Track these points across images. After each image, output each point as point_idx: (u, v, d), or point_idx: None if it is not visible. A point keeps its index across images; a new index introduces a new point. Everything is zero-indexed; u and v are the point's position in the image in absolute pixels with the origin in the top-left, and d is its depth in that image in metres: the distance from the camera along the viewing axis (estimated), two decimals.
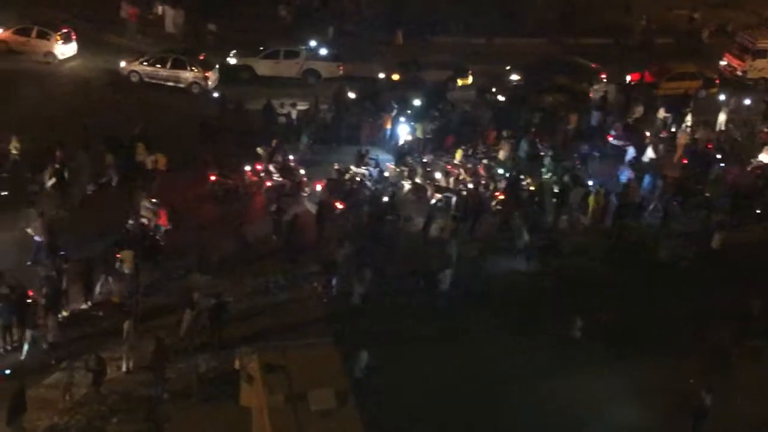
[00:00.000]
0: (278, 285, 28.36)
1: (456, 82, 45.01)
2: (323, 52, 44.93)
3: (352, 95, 41.75)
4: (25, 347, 24.57)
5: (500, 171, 35.51)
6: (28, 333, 24.62)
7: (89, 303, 26.73)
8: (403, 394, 23.59)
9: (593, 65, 46.51)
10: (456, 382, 24.44)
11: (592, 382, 25.17)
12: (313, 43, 45.14)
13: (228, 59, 43.94)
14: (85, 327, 25.79)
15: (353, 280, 27.75)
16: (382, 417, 21.38)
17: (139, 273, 26.37)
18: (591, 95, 44.25)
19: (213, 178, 33.15)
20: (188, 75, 41.66)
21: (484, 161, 36.38)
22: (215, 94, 40.31)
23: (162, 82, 41.63)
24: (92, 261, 26.98)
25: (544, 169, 35.93)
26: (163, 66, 41.66)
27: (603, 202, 33.31)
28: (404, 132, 38.22)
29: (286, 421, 19.03)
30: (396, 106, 40.14)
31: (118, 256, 27.87)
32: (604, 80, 45.45)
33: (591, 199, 33.43)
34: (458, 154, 36.72)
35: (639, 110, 42.35)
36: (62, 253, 27.27)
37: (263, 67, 43.87)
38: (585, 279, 29.88)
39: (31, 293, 25.69)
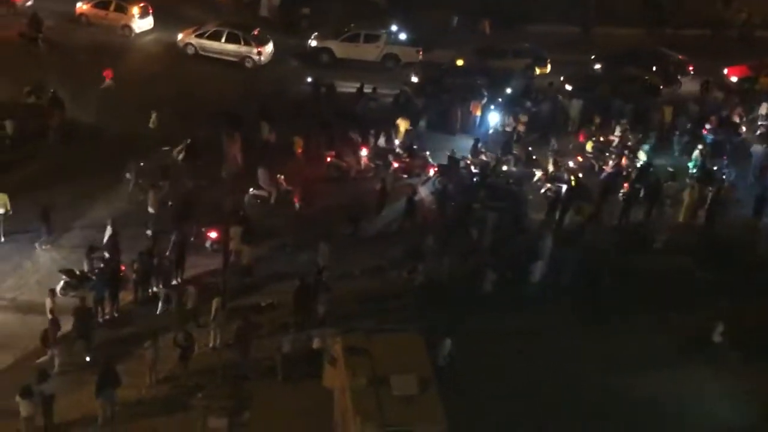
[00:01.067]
0: (364, 270, 28.50)
1: (534, 70, 44.49)
2: (403, 36, 44.87)
3: (414, 79, 41.64)
4: (159, 305, 25.63)
5: (642, 162, 35.19)
6: (162, 290, 25.76)
7: (179, 280, 27.27)
8: (485, 383, 23.44)
9: (680, 57, 45.54)
10: (539, 376, 24.12)
11: (689, 381, 24.61)
12: (393, 28, 45.12)
13: (309, 41, 44.24)
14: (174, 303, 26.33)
15: (436, 268, 27.77)
16: (463, 405, 21.31)
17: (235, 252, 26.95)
18: (662, 87, 43.28)
19: (329, 159, 33.62)
20: (242, 49, 41.97)
21: (626, 152, 36.01)
22: (309, 78, 40.60)
23: (216, 56, 42.03)
24: (185, 237, 27.49)
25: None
26: (218, 40, 42.04)
27: (699, 196, 32.57)
28: (494, 120, 38.00)
29: (368, 404, 19.15)
30: (486, 93, 39.95)
31: (209, 234, 28.41)
32: (692, 72, 44.48)
33: (687, 193, 32.71)
34: (589, 145, 36.57)
35: (736, 104, 41.30)
36: (149, 231, 28.03)
37: (343, 50, 44.01)
38: (676, 277, 29.11)
39: (123, 268, 26.40)
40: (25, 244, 28.13)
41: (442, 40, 46.33)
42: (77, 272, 26.35)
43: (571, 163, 34.97)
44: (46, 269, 27.23)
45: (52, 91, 34.78)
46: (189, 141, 33.11)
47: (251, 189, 31.55)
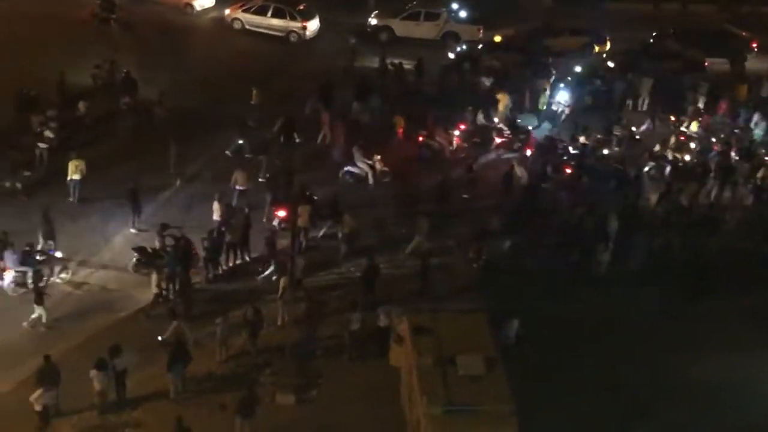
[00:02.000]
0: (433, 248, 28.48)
1: (592, 48, 43.88)
2: (463, 14, 44.51)
3: (451, 56, 41.38)
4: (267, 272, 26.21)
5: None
6: (273, 263, 26.17)
7: (248, 257, 27.60)
8: (552, 364, 23.32)
9: (744, 34, 44.46)
10: (608, 359, 23.82)
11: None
12: (454, 5, 44.81)
13: (369, 19, 44.17)
14: (243, 281, 26.65)
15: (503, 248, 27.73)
16: (530, 386, 21.26)
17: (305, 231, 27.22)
18: (706, 63, 42.49)
19: (421, 139, 33.71)
20: (287, 24, 42.21)
21: (736, 131, 35.76)
22: (376, 58, 40.64)
23: (262, 30, 42.30)
24: (249, 216, 27.83)
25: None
26: (264, 14, 42.35)
27: None
28: (563, 98, 37.65)
29: (435, 384, 19.24)
30: (554, 71, 39.58)
31: (277, 213, 28.70)
32: (755, 49, 43.49)
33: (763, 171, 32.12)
34: (694, 125, 36.22)
35: None
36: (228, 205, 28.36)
37: (403, 28, 43.95)
38: (750, 258, 28.57)
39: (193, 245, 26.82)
40: (97, 221, 28.66)
41: (506, 17, 45.85)
42: (149, 250, 26.85)
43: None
44: (120, 246, 27.79)
45: (125, 71, 35.33)
46: (284, 118, 33.47)
47: (346, 167, 31.73)
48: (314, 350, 23.72)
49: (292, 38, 42.30)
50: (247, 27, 42.61)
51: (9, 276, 25.63)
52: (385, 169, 31.91)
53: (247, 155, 32.10)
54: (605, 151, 34.35)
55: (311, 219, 28.13)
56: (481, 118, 35.75)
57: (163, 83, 35.95)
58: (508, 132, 34.76)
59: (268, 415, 21.56)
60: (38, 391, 20.38)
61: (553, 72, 39.53)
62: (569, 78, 39.51)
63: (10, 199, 29.06)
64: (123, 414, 21.75)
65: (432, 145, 33.93)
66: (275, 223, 28.85)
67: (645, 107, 38.86)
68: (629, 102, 39.25)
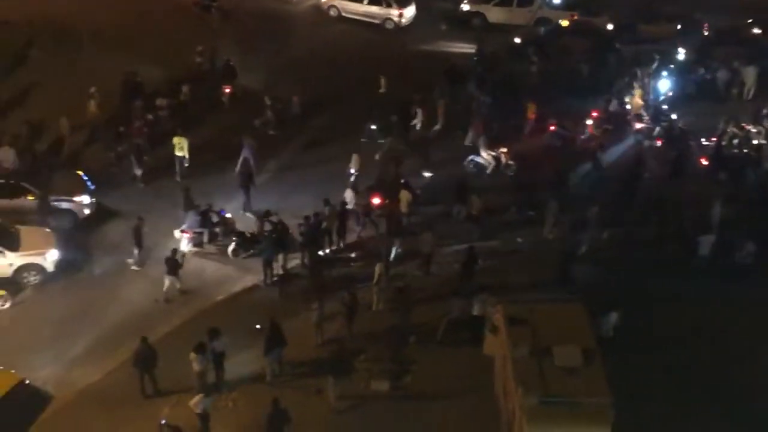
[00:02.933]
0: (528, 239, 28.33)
1: (693, 35, 42.74)
2: (557, 0, 43.83)
3: (517, 40, 40.84)
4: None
5: None
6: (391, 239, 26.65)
7: (342, 244, 27.77)
8: (651, 358, 22.86)
9: None
10: (711, 352, 23.30)
11: None
12: None
13: (462, 5, 43.86)
14: (338, 267, 26.81)
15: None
16: (629, 380, 20.89)
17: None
18: None
19: (552, 128, 33.58)
20: (383, 11, 42.24)
21: None
22: (474, 48, 40.36)
23: (358, 17, 42.33)
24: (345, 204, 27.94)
25: None
26: (360, 1, 42.50)
27: None
28: (665, 87, 36.84)
29: (530, 375, 19.01)
30: (657, 58, 38.72)
31: (372, 199, 28.80)
32: None
33: None
34: None
35: None
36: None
37: (495, 14, 43.58)
38: None
39: (291, 230, 27.13)
40: (166, 210, 28.93)
41: (601, 3, 45.03)
42: (248, 234, 27.24)
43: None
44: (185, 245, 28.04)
45: (226, 59, 35.85)
46: (402, 105, 33.81)
47: (471, 156, 31.65)
48: (409, 337, 23.74)
49: (388, 25, 42.33)
50: (344, 14, 42.77)
51: (186, 236, 26.98)
52: (510, 162, 31.60)
53: (379, 141, 32.43)
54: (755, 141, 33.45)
55: (410, 205, 28.13)
56: (615, 104, 35.27)
57: (262, 71, 36.36)
58: (648, 119, 34.17)
59: (362, 401, 21.71)
60: (197, 396, 20.64)
61: (656, 59, 38.61)
62: (671, 66, 38.58)
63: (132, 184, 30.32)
64: (220, 395, 22.14)
65: (563, 135, 33.56)
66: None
67: (750, 96, 37.73)
68: (734, 91, 38.16)
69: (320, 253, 27.17)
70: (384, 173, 29.97)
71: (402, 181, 29.18)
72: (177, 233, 27.25)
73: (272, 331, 22.55)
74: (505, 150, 31.81)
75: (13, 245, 25.85)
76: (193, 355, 21.67)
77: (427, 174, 31.14)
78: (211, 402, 20.68)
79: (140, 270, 26.64)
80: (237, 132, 32.24)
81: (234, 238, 27.14)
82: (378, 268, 24.95)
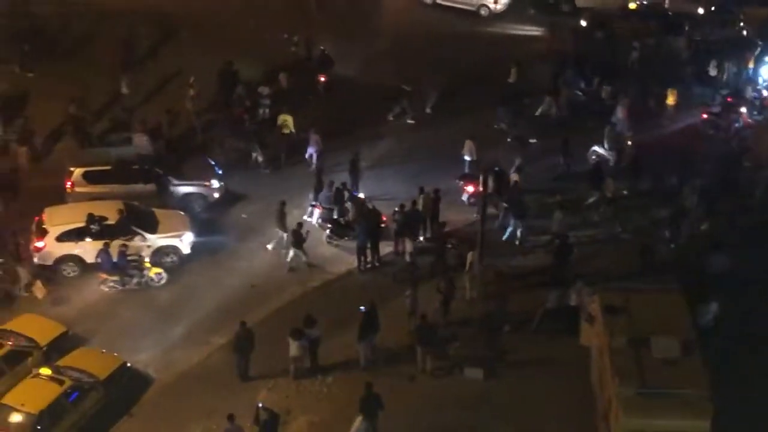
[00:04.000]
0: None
1: None
2: None
3: (583, 23, 40.09)
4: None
5: None
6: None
7: (432, 233, 27.75)
8: (752, 350, 22.32)
9: None
10: None
11: None
12: None
13: None
14: (432, 254, 26.83)
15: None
16: (728, 372, 20.44)
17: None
18: None
19: (705, 116, 33.17)
20: None
21: None
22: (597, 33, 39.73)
23: (452, 4, 41.88)
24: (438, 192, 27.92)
25: None
26: None
27: None
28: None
29: (628, 365, 18.78)
30: (761, 43, 37.52)
31: (465, 187, 28.72)
32: None
33: None
34: None
35: None
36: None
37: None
38: None
39: (384, 218, 27.21)
40: (293, 194, 29.10)
41: None
42: (341, 221, 27.47)
43: None
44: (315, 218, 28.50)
45: (321, 48, 36.09)
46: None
47: (594, 146, 31.16)
48: (503, 325, 23.63)
49: (483, 12, 41.89)
50: (438, 1, 42.58)
51: (317, 212, 27.76)
52: (632, 152, 30.90)
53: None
54: None
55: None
56: (749, 91, 34.55)
57: (357, 59, 36.53)
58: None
59: (455, 388, 21.73)
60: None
61: (759, 44, 37.43)
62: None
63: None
64: (315, 380, 22.46)
65: (718, 123, 32.74)
66: (464, 198, 28.91)
67: None
68: None
69: (414, 240, 27.22)
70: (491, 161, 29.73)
71: (496, 168, 28.99)
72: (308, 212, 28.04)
73: (367, 316, 22.71)
74: (630, 143, 31.10)
75: (152, 228, 26.63)
76: (289, 340, 22.01)
77: (532, 140, 31.11)
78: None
79: (273, 251, 27.16)
80: (333, 120, 32.56)
81: (328, 225, 27.39)
82: (470, 256, 24.87)
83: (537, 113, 33.85)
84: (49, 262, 25.95)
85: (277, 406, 21.23)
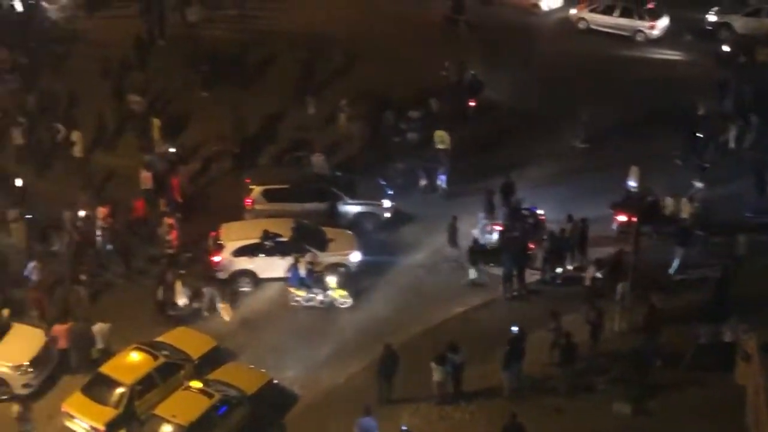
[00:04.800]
0: None
1: None
2: None
3: (726, 49, 38.66)
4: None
5: None
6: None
7: (585, 261, 27.22)
8: None
9: None
10: None
11: None
12: None
13: (707, 16, 41.74)
14: (578, 283, 26.34)
15: None
16: None
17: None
18: None
19: None
20: (634, 23, 41.07)
21: None
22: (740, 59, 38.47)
23: (607, 30, 41.35)
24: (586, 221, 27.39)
25: None
26: (610, 14, 41.58)
27: None
28: None
29: None
30: None
31: (616, 217, 28.12)
32: None
33: None
34: None
35: None
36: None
37: (744, 25, 41.04)
38: None
39: (531, 245, 26.90)
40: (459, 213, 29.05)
41: None
42: (488, 248, 27.30)
43: None
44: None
45: (472, 72, 36.12)
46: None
47: None
48: (654, 360, 22.89)
49: (639, 38, 41.18)
50: (592, 27, 42.08)
51: (496, 229, 28.21)
52: None
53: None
54: None
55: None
56: None
57: (509, 84, 36.40)
58: None
59: (602, 422, 21.19)
60: None
61: None
62: None
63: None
64: (458, 407, 22.31)
65: None
66: (614, 227, 28.29)
67: None
68: None
69: (561, 269, 26.78)
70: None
71: (649, 198, 28.26)
72: (479, 226, 28.23)
73: (513, 344, 22.45)
74: None
75: (322, 246, 27.32)
76: (433, 365, 21.96)
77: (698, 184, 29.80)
78: None
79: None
80: (482, 143, 32.67)
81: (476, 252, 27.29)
82: (621, 287, 24.25)
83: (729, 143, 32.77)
84: (224, 277, 26.82)
85: (419, 430, 21.19)
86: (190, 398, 21.91)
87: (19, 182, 30.00)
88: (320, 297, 26.09)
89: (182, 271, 26.45)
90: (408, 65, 36.87)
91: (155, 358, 22.98)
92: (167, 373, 22.88)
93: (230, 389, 22.38)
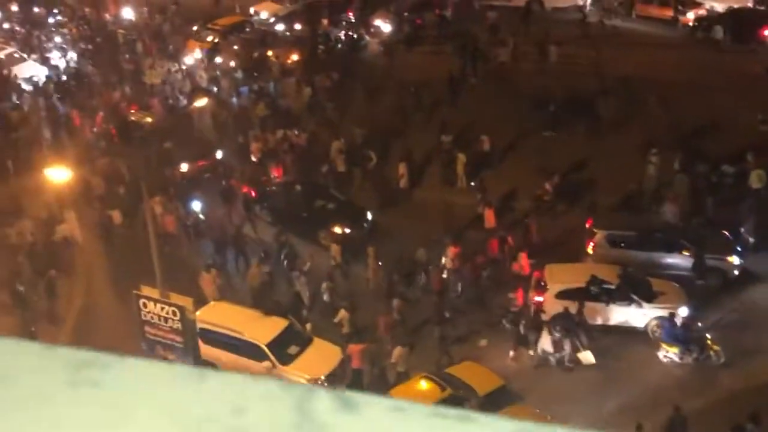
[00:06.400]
0: None
1: None
2: None
3: None
4: None
5: None
6: None
7: None
8: None
9: None
10: None
11: None
12: None
13: None
14: None
15: None
16: None
17: None
18: None
19: None
20: None
21: None
22: None
23: None
24: None
25: None
26: None
27: None
28: None
29: None
30: None
31: None
32: None
33: None
34: None
35: None
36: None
37: None
38: None
39: None
40: None
41: None
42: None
43: None
44: None
45: None
46: None
47: None
48: None
49: None
50: None
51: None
52: None
53: None
54: None
55: None
56: None
57: None
58: None
59: None
60: None
61: None
62: None
63: None
64: None
65: None
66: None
67: None
68: None
69: None
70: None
71: None
72: None
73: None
74: None
75: (648, 297, 26.29)
76: None
77: None
78: None
79: None
80: None
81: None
82: None
83: None
84: (545, 318, 26.19)
85: None
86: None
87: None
88: (695, 354, 24.47)
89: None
90: (721, 113, 35.25)
91: (442, 389, 23.31)
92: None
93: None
